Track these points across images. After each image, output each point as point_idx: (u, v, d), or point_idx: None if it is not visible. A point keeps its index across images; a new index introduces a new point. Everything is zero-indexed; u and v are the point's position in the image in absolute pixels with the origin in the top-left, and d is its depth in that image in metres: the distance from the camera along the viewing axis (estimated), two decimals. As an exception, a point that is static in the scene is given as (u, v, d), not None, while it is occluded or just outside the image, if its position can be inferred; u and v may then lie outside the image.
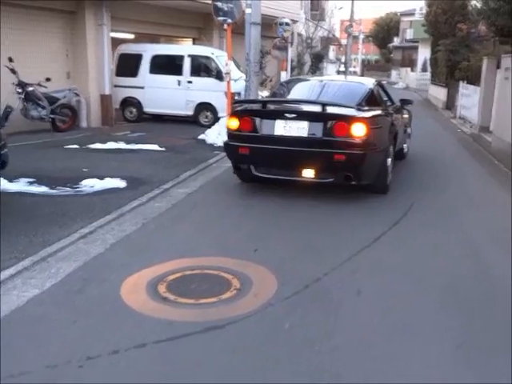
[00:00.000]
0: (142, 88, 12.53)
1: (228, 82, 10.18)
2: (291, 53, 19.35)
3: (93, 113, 11.69)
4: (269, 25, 15.57)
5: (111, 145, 9.11)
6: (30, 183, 6.21)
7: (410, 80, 37.02)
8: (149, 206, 5.61)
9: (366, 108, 5.84)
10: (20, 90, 9.64)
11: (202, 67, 12.48)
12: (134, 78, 12.58)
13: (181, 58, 12.32)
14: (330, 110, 5.51)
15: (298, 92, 6.88)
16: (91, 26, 11.26)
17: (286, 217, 5.23)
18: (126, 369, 2.60)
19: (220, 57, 11.84)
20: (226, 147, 6.07)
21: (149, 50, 12.63)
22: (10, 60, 9.34)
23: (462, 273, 3.93)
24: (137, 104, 12.69)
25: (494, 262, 4.25)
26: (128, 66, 12.62)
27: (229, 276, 3.74)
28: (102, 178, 6.48)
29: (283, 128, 5.56)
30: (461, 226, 5.18)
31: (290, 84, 7.48)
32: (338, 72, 33.08)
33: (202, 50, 12.78)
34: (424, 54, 32.97)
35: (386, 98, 7.11)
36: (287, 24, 15.54)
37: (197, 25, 15.50)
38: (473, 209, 5.82)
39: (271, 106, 6.02)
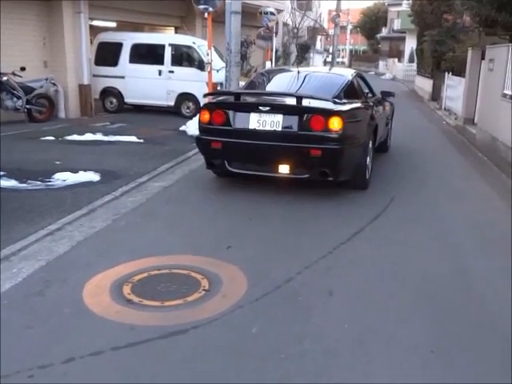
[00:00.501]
0: (123, 78, 12.25)
1: (209, 72, 9.97)
2: (276, 42, 19.15)
3: (71, 103, 11.41)
4: (253, 14, 15.36)
5: (88, 136, 8.88)
6: (-1, 177, 5.99)
7: (397, 71, 36.95)
8: (122, 201, 5.43)
9: (344, 101, 5.63)
10: (-7, 80, 9.35)
11: (183, 57, 12.24)
12: (113, 68, 12.28)
13: (162, 47, 12.03)
14: (306, 102, 5.25)
15: (274, 83, 6.65)
16: (68, 14, 10.94)
17: (262, 213, 5.07)
18: (79, 378, 2.45)
19: (202, 46, 11.59)
20: (198, 142, 5.82)
21: (129, 39, 12.31)
22: (-17, 48, 9.06)
23: (439, 272, 3.82)
24: (117, 94, 12.41)
25: (474, 260, 4.14)
26: (108, 55, 12.31)
27: (198, 276, 3.60)
28: (75, 171, 6.28)
29: (257, 121, 5.32)
30: (441, 221, 5.08)
31: (267, 75, 7.23)
32: (325, 62, 32.87)
33: (183, 39, 12.50)
34: (411, 44, 32.87)
35: (366, 90, 6.93)
36: (272, 13, 15.31)
37: (179, 13, 15.20)
38: (454, 203, 5.72)
39: (245, 99, 5.74)
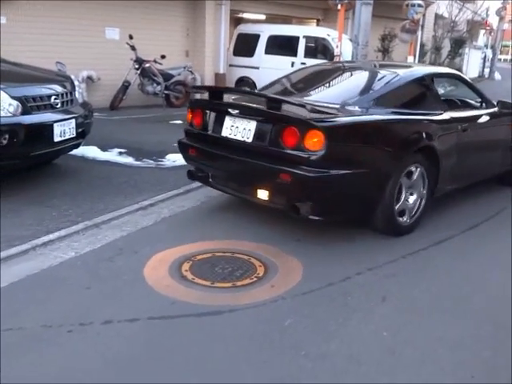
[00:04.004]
0: (257, 68, 12.61)
1: (337, 65, 9.83)
2: (424, 36, 18.16)
3: (207, 91, 12.04)
4: (398, 6, 14.73)
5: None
6: (120, 153, 6.59)
7: None
8: (219, 185, 5.64)
9: (376, 109, 4.16)
10: (137, 66, 10.25)
11: (317, 49, 12.20)
12: (250, 58, 12.71)
13: (296, 39, 12.15)
14: (283, 108, 3.91)
15: (298, 81, 5.36)
16: (210, 6, 11.56)
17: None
18: (109, 340, 2.64)
19: (336, 38, 11.45)
20: (179, 147, 4.86)
21: (266, 31, 12.64)
22: (131, 37, 9.96)
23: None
24: (251, 84, 12.80)
25: None
26: (245, 45, 12.77)
27: (257, 262, 3.62)
28: (186, 153, 6.66)
29: (230, 127, 4.19)
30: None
31: (299, 71, 5.99)
32: (485, 60, 30.30)
33: (317, 31, 12.48)
34: None
35: (475, 97, 5.47)
36: (420, 5, 14.51)
37: (322, 5, 15.14)
38: None
39: (226, 98, 4.56)
